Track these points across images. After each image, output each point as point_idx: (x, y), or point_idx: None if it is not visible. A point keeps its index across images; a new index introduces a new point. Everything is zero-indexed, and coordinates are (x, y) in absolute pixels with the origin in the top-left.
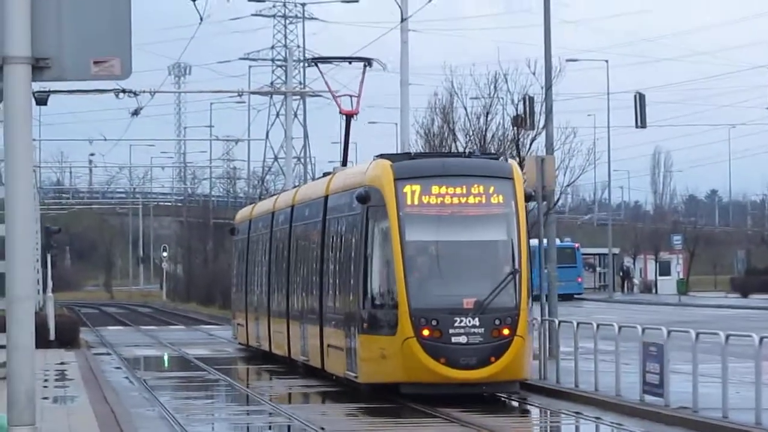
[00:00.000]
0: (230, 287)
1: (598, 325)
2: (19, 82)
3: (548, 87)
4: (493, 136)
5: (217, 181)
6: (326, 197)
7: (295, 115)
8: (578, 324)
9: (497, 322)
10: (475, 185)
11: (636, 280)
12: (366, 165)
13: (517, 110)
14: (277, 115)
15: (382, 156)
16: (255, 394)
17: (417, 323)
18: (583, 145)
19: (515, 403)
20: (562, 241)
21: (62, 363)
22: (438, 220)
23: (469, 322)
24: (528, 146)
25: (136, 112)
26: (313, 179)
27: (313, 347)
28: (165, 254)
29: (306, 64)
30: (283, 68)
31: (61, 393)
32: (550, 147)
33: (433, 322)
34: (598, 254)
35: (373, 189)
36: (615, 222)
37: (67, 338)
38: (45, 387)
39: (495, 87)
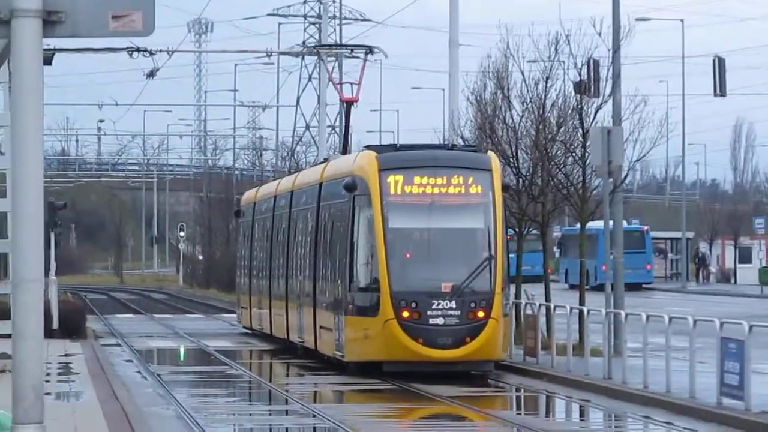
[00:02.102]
0: (235, 270)
1: (670, 319)
2: (28, 38)
3: (616, 49)
4: (553, 104)
5: (242, 152)
6: (320, 184)
7: (330, 80)
8: (648, 317)
9: (473, 305)
10: (456, 176)
11: (713, 268)
12: (354, 155)
13: (580, 75)
14: (310, 78)
15: (369, 147)
16: (281, 391)
17: (397, 305)
18: (654, 115)
19: (576, 405)
20: (629, 224)
21: (66, 355)
22: (419, 209)
23: (446, 304)
24: (592, 116)
25: (151, 74)
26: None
27: (308, 329)
28: (182, 234)
29: (337, 25)
30: (317, 25)
31: (65, 389)
32: (617, 117)
33: (413, 305)
34: (670, 239)
35: (359, 178)
36: (689, 202)
37: (71, 327)
38: (47, 381)
39: (556, 49)
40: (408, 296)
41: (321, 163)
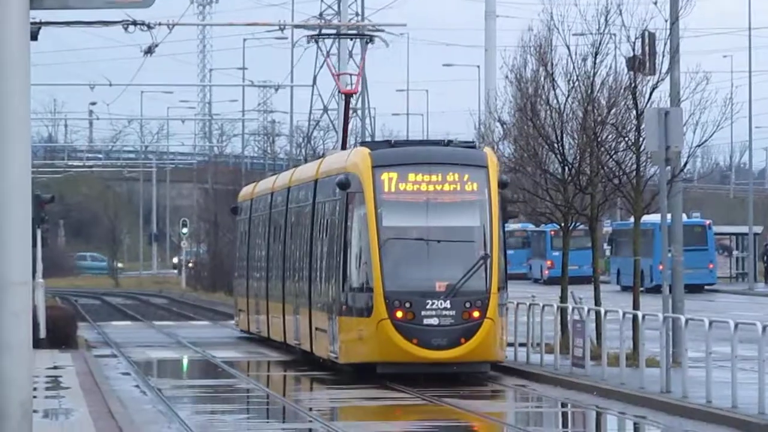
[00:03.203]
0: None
1: (736, 324)
2: (13, 10)
3: (674, 20)
4: (602, 82)
5: (252, 138)
6: (316, 181)
7: (351, 56)
8: (711, 323)
9: (467, 304)
10: (451, 173)
11: None
12: (348, 151)
13: (634, 50)
14: (328, 55)
15: (364, 143)
16: (296, 407)
17: (391, 305)
18: (717, 94)
19: (630, 423)
20: (689, 218)
21: (55, 367)
22: (413, 207)
23: (441, 304)
24: (647, 96)
25: (149, 50)
26: (372, 137)
27: (304, 331)
28: (185, 231)
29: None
30: None
31: (53, 405)
32: (675, 97)
33: (407, 305)
34: (736, 234)
35: (352, 175)
36: (757, 193)
37: (60, 336)
38: (34, 397)
39: (606, 20)
40: (402, 296)
41: (319, 157)
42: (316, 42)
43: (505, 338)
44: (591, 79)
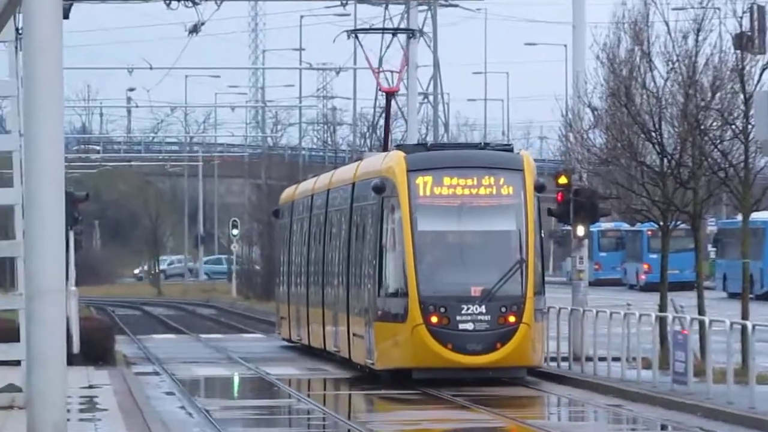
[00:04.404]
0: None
1: None
2: None
3: None
4: (706, 63)
5: (310, 127)
6: (353, 184)
7: (421, 34)
8: None
9: (503, 309)
10: (486, 177)
11: None
12: (383, 155)
13: (741, 26)
14: (396, 32)
15: (399, 147)
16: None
17: (426, 311)
18: None
19: None
20: None
21: (90, 387)
22: (448, 211)
23: (476, 309)
24: (757, 77)
25: (195, 30)
26: (446, 125)
27: (342, 337)
28: (235, 232)
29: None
30: None
31: (89, 429)
32: None
33: (441, 310)
34: None
35: (387, 179)
36: None
37: (96, 351)
38: (67, 420)
39: None
40: (437, 301)
41: (356, 160)
42: (356, 37)
43: (543, 344)
44: (693, 59)
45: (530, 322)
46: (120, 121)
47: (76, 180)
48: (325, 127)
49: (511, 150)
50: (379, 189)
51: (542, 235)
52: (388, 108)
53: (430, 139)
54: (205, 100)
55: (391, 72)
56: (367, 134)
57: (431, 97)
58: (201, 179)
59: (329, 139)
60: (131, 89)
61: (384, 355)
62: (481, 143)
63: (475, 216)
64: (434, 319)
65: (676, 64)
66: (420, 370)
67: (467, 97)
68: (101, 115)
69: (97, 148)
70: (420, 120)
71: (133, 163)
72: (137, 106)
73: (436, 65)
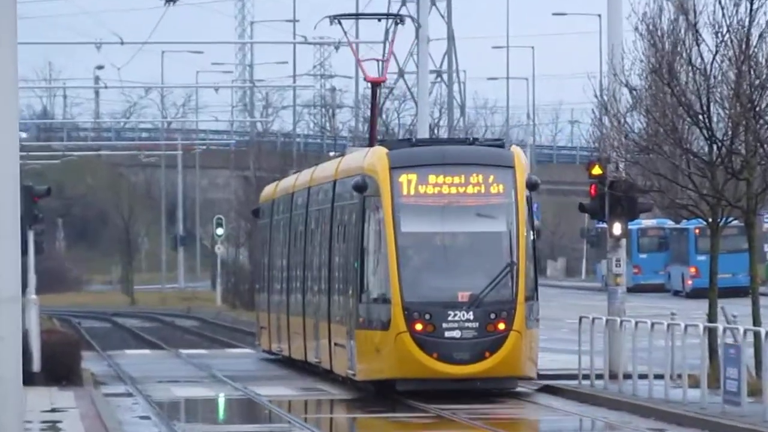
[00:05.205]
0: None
1: None
2: None
3: None
4: (761, 35)
5: (305, 110)
6: (335, 181)
7: (434, 4)
8: None
9: (492, 316)
10: (474, 174)
11: None
12: (365, 151)
13: None
14: (404, 3)
15: (383, 143)
16: None
17: (410, 317)
18: None
19: None
20: None
21: (53, 410)
22: (434, 211)
23: (463, 316)
24: None
25: None
26: (462, 107)
27: (324, 347)
28: (220, 232)
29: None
30: None
31: None
32: None
33: (426, 316)
34: None
35: (369, 177)
36: None
37: (60, 369)
38: None
39: None
40: (421, 307)
41: (339, 155)
42: (340, 23)
43: (536, 352)
44: (746, 30)
45: (521, 329)
46: (87, 104)
47: (36, 172)
48: (323, 110)
49: (502, 146)
50: (360, 187)
51: (534, 236)
52: (374, 99)
53: (443, 123)
54: (185, 79)
55: (377, 60)
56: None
57: (445, 76)
58: (180, 171)
59: (327, 124)
60: (99, 67)
61: (365, 366)
62: (469, 138)
63: (463, 216)
64: (419, 327)
65: (727, 37)
66: (404, 381)
67: (487, 76)
68: (65, 97)
69: (61, 134)
70: (432, 102)
71: (102, 152)
72: (106, 87)
73: (451, 38)
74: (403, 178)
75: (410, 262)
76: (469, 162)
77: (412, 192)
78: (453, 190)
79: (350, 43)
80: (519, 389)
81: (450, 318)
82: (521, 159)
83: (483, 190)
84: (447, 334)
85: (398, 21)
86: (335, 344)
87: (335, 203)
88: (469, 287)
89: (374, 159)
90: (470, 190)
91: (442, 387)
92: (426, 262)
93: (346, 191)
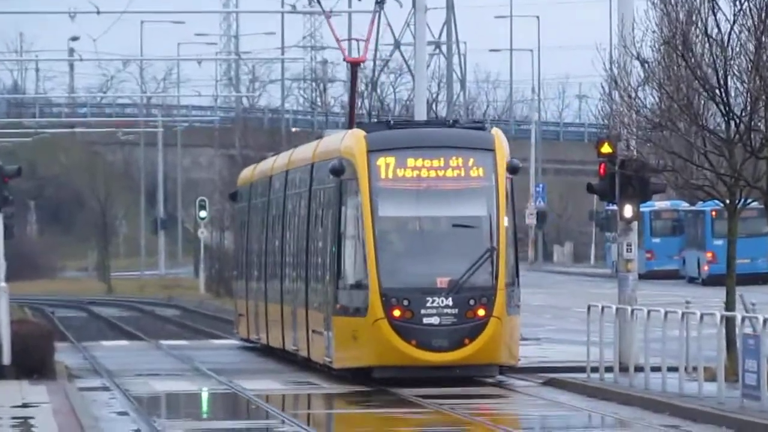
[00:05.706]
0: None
1: None
2: None
3: None
4: None
5: (295, 85)
6: (312, 165)
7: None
8: None
9: (472, 302)
10: (454, 157)
11: None
12: (343, 133)
13: None
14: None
15: (360, 125)
16: None
17: (387, 304)
18: None
19: None
20: None
21: (24, 405)
22: (412, 195)
23: (442, 302)
24: None
25: None
26: (462, 81)
27: (302, 334)
28: (203, 214)
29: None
30: None
31: None
32: None
33: (404, 302)
34: None
35: (346, 161)
36: None
37: (32, 362)
38: None
39: None
40: (399, 293)
41: (317, 138)
42: (319, 3)
43: (517, 339)
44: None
45: (501, 315)
46: (60, 78)
47: (7, 151)
48: (314, 84)
49: (483, 128)
50: (337, 171)
51: (516, 220)
52: (353, 80)
53: (442, 98)
54: (166, 51)
55: (358, 41)
56: (366, 93)
57: (444, 47)
58: (161, 149)
59: (318, 99)
60: (74, 38)
61: (343, 353)
62: (449, 120)
63: (442, 200)
64: (397, 313)
65: (745, 5)
66: (381, 368)
67: (489, 47)
68: (37, 70)
69: (32, 110)
70: (431, 75)
71: (76, 129)
72: (81, 60)
73: (451, 7)
74: (381, 161)
75: (388, 248)
76: (449, 145)
77: (390, 175)
78: (432, 173)
79: (328, 19)
80: (523, 382)
81: (428, 304)
82: (502, 142)
83: (462, 174)
84: (425, 320)
85: (378, 1)
86: (313, 331)
87: (313, 187)
88: (448, 273)
89: (351, 142)
90: (449, 173)
91: (420, 375)
92: (404, 247)
93: (323, 175)
